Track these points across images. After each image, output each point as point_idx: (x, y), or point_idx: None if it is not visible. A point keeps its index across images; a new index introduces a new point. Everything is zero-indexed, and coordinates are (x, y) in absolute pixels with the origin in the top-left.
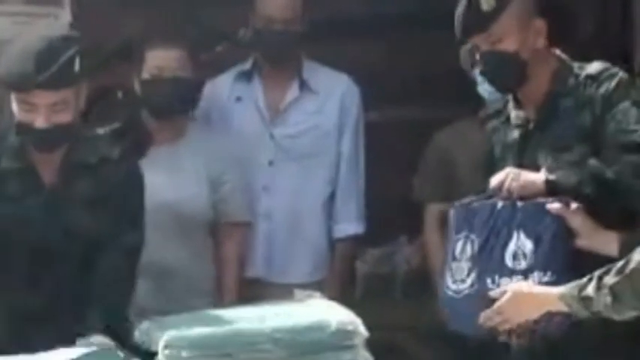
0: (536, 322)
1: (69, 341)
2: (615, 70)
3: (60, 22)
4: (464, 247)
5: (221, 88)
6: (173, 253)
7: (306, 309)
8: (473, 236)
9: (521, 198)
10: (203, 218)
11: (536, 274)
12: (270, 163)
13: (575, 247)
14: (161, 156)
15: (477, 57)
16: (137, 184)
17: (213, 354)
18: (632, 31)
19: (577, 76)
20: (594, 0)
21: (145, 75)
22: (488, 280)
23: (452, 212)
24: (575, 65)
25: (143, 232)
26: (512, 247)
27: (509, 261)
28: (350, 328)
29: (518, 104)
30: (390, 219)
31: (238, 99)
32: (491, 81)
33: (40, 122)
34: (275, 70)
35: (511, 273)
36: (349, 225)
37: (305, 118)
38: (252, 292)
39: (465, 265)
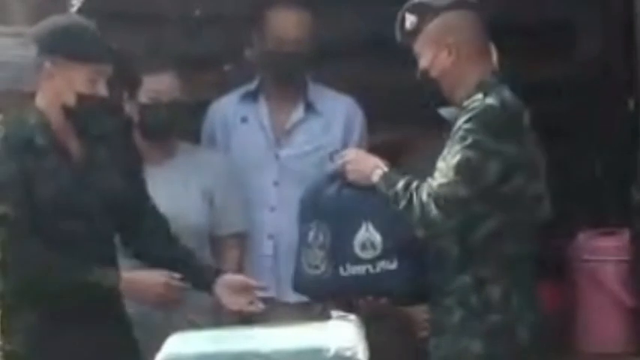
0: None
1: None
2: (482, 104)
3: None
4: (316, 235)
5: (226, 108)
6: None
7: (311, 332)
8: (324, 225)
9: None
10: (199, 232)
11: (383, 263)
12: (275, 184)
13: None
14: (153, 175)
15: None
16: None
17: None
18: (635, 51)
19: (474, 100)
20: (595, 21)
21: (143, 99)
22: (340, 269)
23: (302, 197)
24: (483, 93)
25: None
26: (360, 237)
27: (358, 250)
28: (348, 354)
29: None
30: None
31: (244, 119)
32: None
33: (103, 90)
34: (281, 91)
35: (360, 261)
36: None
37: (310, 139)
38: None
39: (318, 253)
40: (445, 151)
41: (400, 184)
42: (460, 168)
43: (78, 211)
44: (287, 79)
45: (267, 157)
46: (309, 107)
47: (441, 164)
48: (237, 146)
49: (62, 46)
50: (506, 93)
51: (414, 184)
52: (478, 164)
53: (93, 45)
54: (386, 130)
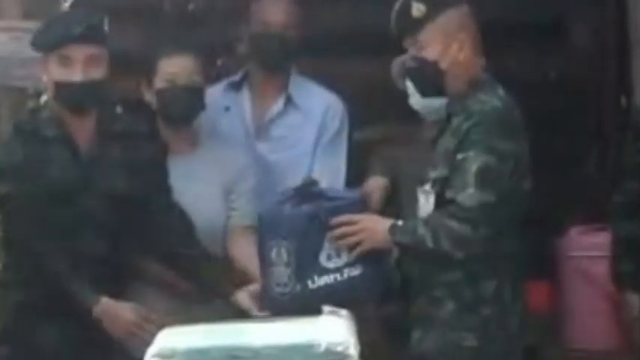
0: None
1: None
2: (487, 107)
3: None
4: (279, 253)
5: (211, 96)
6: None
7: (303, 327)
8: (286, 243)
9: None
10: (218, 225)
11: (348, 269)
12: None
13: None
14: (177, 165)
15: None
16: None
17: None
18: (628, 48)
19: (475, 101)
20: (589, 18)
21: (160, 84)
22: (309, 282)
23: (260, 216)
24: (482, 92)
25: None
26: (326, 249)
27: (324, 261)
28: (339, 349)
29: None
30: None
31: (227, 108)
32: (414, 84)
33: (77, 76)
34: (264, 81)
35: (327, 272)
36: None
37: (287, 133)
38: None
39: (284, 270)
40: (448, 156)
41: (419, 225)
42: (482, 175)
43: (79, 204)
44: (272, 64)
45: (245, 147)
46: (289, 101)
47: (455, 175)
48: (218, 134)
49: (36, 40)
50: (502, 92)
51: (428, 216)
52: (497, 168)
53: (56, 30)
54: (373, 125)
